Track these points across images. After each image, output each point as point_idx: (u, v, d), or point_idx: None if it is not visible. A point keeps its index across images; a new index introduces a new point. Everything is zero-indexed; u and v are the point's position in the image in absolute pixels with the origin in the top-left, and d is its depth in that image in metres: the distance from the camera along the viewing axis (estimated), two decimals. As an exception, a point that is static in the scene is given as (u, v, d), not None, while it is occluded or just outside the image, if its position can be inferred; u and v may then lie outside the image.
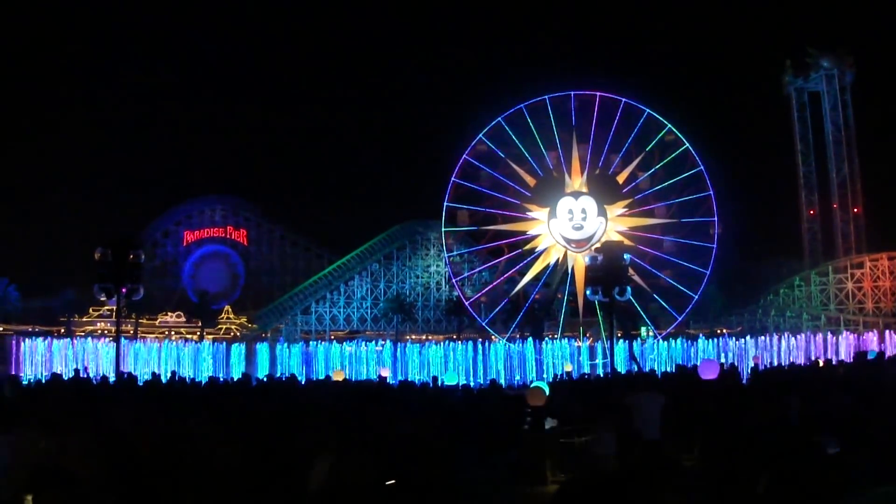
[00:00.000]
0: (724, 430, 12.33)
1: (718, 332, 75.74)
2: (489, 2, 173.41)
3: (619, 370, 39.12)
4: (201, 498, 7.77)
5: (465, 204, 69.86)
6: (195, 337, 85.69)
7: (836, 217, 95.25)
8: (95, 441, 8.01)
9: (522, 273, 71.92)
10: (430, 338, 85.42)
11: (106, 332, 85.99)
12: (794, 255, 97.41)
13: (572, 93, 68.62)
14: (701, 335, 63.77)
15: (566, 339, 61.04)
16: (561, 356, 55.08)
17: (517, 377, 51.29)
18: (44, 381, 32.51)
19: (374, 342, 64.49)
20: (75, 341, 57.61)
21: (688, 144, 67.34)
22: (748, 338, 59.79)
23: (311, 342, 63.93)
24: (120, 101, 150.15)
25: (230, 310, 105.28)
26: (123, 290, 31.39)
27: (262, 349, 58.75)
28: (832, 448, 8.17)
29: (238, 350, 57.14)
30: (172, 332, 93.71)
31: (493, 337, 66.10)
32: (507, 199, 69.93)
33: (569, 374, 42.60)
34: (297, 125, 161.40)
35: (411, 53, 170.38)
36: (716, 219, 66.29)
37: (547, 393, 17.52)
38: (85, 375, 36.63)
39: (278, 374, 42.72)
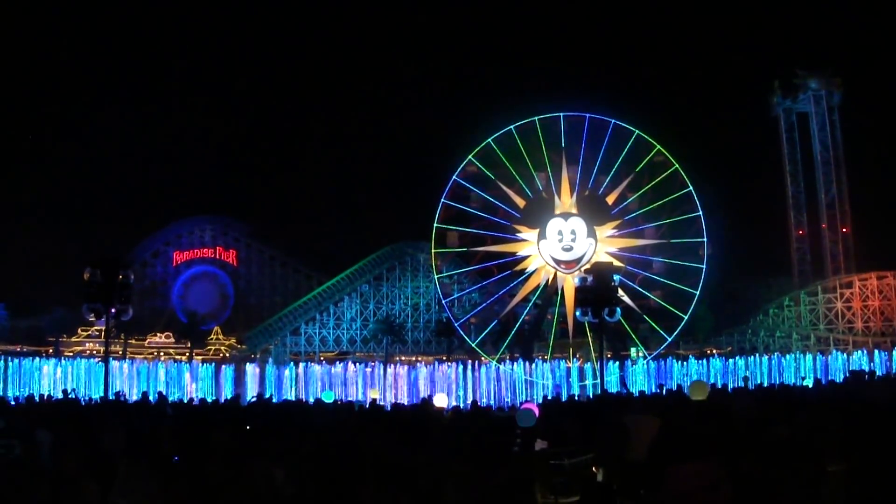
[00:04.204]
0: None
1: (708, 352, 75.76)
2: (478, 24, 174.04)
3: (609, 391, 39.00)
4: None
5: (454, 225, 69.91)
6: (184, 358, 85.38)
7: (824, 237, 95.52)
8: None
9: (512, 294, 71.94)
10: (419, 359, 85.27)
11: (95, 352, 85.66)
12: (784, 276, 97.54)
13: (562, 114, 68.85)
14: (691, 356, 63.74)
15: (556, 361, 61.02)
16: (551, 377, 55.10)
17: (507, 398, 51.23)
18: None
19: (363, 363, 64.29)
20: (63, 361, 57.41)
21: (677, 165, 67.56)
22: (738, 358, 59.90)
23: (300, 363, 63.70)
24: (109, 119, 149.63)
25: (219, 331, 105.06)
26: (112, 310, 31.31)
27: (252, 370, 58.58)
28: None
29: (227, 371, 56.99)
30: (161, 353, 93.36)
31: (482, 358, 65.96)
32: (496, 220, 70.03)
33: (557, 395, 42.52)
34: (287, 146, 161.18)
35: (401, 75, 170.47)
36: (705, 239, 66.44)
37: (537, 414, 17.45)
38: (73, 396, 36.36)
39: (267, 395, 42.48)
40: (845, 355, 61.34)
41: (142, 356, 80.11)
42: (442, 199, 68.58)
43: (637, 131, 67.99)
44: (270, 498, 8.63)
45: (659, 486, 10.48)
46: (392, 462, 9.72)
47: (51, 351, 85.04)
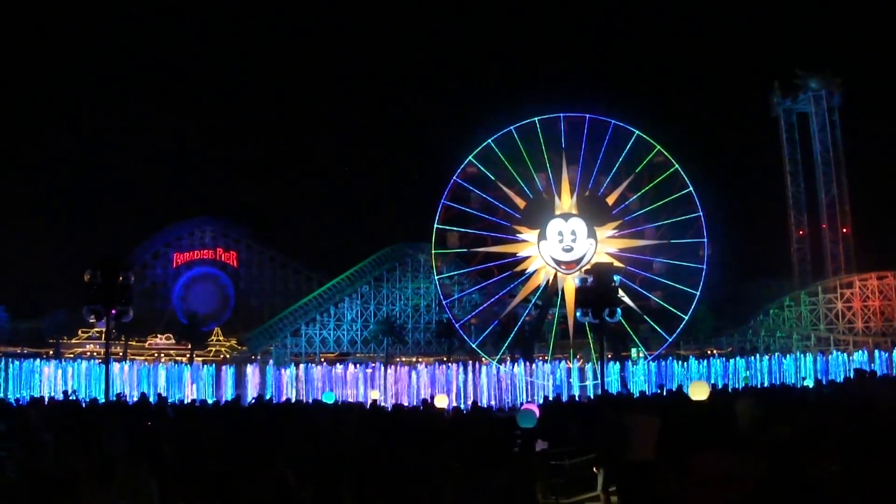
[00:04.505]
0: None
1: (709, 353, 75.75)
2: (478, 25, 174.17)
3: (609, 392, 38.97)
4: None
5: (455, 226, 69.82)
6: (185, 359, 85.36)
7: (825, 237, 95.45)
8: None
9: (512, 295, 71.92)
10: (420, 360, 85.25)
11: (95, 353, 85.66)
12: (784, 276, 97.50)
13: (562, 115, 68.82)
14: (692, 356, 63.71)
15: (556, 361, 60.98)
16: (552, 378, 55.06)
17: (507, 399, 51.22)
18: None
19: (364, 364, 64.30)
20: (64, 363, 57.42)
21: (677, 166, 67.53)
22: (739, 358, 59.86)
23: (301, 364, 63.69)
24: (110, 121, 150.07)
25: (220, 332, 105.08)
26: (113, 311, 31.23)
27: (252, 372, 58.56)
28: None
29: (228, 373, 56.98)
30: (162, 355, 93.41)
31: (483, 359, 65.93)
32: (497, 220, 69.95)
33: (558, 395, 42.51)
34: (288, 147, 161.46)
35: (402, 77, 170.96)
36: (705, 240, 66.42)
37: (537, 415, 17.45)
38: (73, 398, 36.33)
39: (268, 397, 42.44)
40: (846, 355, 61.35)
41: (142, 358, 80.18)
42: (442, 200, 68.57)
43: (637, 132, 67.99)
44: (283, 499, 8.63)
45: (668, 482, 10.46)
46: (393, 463, 9.71)
47: (51, 353, 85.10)
